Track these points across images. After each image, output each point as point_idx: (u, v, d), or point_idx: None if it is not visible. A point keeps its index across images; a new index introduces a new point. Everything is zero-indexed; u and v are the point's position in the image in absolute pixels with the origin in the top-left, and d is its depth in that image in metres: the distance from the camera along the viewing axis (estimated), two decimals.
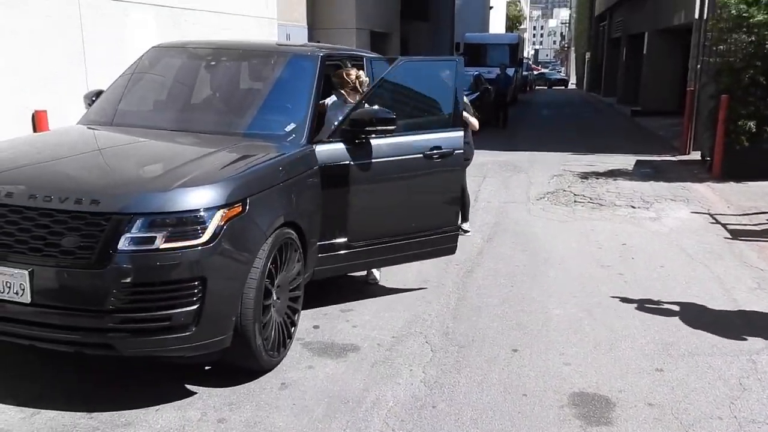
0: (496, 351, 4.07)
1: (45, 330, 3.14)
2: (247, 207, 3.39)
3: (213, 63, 4.92)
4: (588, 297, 5.01)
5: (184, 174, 3.37)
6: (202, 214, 3.18)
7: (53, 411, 3.26)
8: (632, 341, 4.24)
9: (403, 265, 5.63)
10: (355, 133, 4.31)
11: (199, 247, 3.15)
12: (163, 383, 3.56)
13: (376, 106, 4.40)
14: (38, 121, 5.28)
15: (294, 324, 4.00)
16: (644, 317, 4.63)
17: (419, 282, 5.27)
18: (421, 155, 4.62)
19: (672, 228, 7.12)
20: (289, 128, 4.30)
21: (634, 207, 8.15)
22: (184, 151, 3.95)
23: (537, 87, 48.32)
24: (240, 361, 3.58)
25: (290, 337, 3.95)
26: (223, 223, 3.24)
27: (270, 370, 3.70)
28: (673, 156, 12.63)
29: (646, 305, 4.86)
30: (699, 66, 12.14)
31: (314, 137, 4.29)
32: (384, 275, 5.36)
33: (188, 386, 3.53)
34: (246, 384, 3.57)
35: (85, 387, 3.53)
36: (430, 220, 4.82)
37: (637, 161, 11.77)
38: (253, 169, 3.66)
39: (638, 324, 4.51)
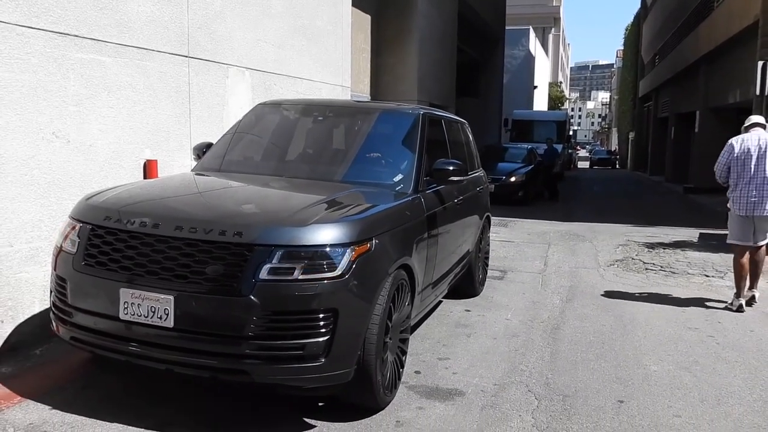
0: (602, 401, 4.07)
1: (184, 355, 3.28)
2: (374, 246, 3.56)
3: (325, 117, 5.25)
4: (683, 356, 4.98)
5: (317, 212, 3.57)
6: (336, 249, 3.35)
7: None
8: (739, 398, 4.20)
9: (491, 318, 5.73)
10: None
11: (333, 281, 3.30)
12: (283, 416, 3.65)
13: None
14: (149, 170, 5.60)
15: (402, 365, 4.09)
16: (746, 376, 4.58)
17: (508, 336, 5.32)
18: None
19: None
20: (397, 179, 4.53)
21: (708, 276, 8.09)
22: (309, 193, 4.17)
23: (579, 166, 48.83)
24: (358, 397, 3.65)
25: (399, 377, 4.03)
26: (353, 259, 3.40)
27: (383, 409, 3.77)
28: None
29: (745, 365, 4.81)
30: None
31: (421, 187, 4.52)
32: (473, 327, 5.44)
33: (307, 419, 3.62)
34: (362, 420, 3.65)
35: (212, 416, 3.64)
36: None
37: (701, 234, 11.70)
38: (375, 211, 3.85)
39: (741, 383, 4.47)
